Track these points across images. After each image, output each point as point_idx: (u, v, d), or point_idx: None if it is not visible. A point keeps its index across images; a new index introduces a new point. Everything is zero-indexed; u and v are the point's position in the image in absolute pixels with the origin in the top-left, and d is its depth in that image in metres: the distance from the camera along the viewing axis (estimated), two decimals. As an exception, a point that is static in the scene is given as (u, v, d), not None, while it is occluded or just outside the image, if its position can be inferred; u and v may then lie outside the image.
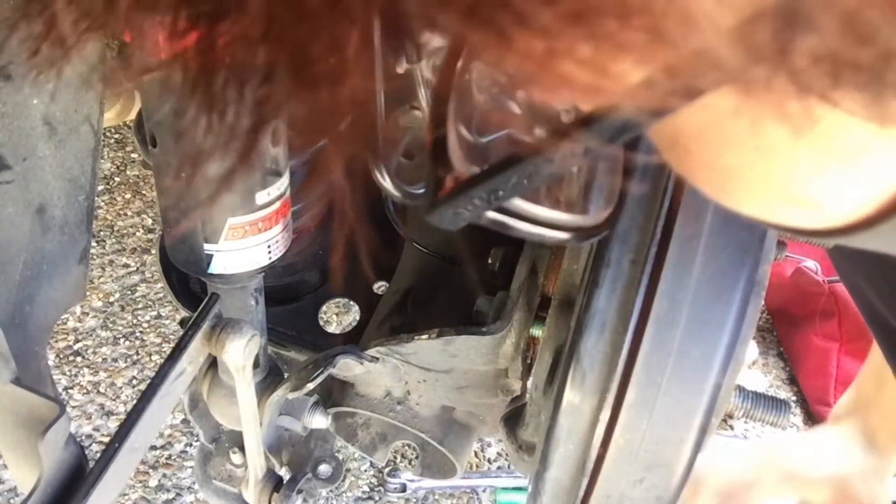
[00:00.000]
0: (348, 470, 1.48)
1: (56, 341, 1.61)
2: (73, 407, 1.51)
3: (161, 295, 1.73)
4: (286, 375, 0.73)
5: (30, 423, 0.49)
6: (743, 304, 0.48)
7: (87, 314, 1.69)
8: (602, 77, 0.18)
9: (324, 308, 1.01)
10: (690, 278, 0.48)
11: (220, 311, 0.61)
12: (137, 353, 1.63)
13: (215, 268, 0.60)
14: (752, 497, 0.94)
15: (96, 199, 0.65)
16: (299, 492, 0.75)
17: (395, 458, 1.50)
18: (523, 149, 0.25)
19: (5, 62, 0.55)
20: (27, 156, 0.58)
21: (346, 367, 0.75)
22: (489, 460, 1.55)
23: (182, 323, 0.85)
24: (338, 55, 0.18)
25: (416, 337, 0.72)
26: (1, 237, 0.57)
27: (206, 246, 0.59)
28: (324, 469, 0.86)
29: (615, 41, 0.16)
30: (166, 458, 1.45)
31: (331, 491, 1.41)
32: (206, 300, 0.61)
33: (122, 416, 1.39)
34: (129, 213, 1.93)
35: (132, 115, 1.16)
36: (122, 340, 1.65)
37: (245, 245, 0.60)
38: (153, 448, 1.45)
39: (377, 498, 1.46)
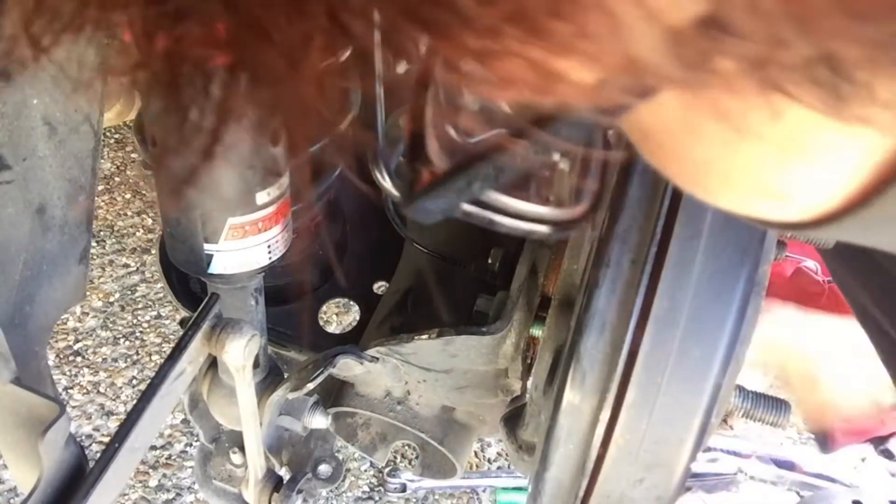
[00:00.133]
0: (348, 470, 1.48)
1: (56, 341, 1.61)
2: (73, 407, 1.51)
3: (161, 295, 1.73)
4: (286, 375, 0.73)
5: (30, 423, 0.49)
6: (743, 304, 0.48)
7: (87, 314, 1.69)
8: (546, 77, 0.18)
9: (324, 308, 1.01)
10: (690, 278, 0.48)
11: (220, 311, 0.61)
12: (137, 353, 1.63)
13: (215, 268, 0.60)
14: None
15: (96, 199, 0.65)
16: (299, 492, 0.75)
17: (395, 458, 1.50)
18: (491, 145, 0.26)
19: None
20: (27, 156, 0.58)
21: (346, 367, 0.75)
22: (489, 460, 1.55)
23: (182, 323, 0.85)
24: (295, 53, 0.19)
25: (416, 337, 0.72)
26: (1, 237, 0.57)
27: (206, 246, 0.59)
28: (324, 469, 0.86)
29: (552, 42, 0.17)
30: (166, 458, 1.45)
31: (331, 491, 1.41)
32: (206, 300, 0.61)
33: (122, 416, 1.39)
34: (129, 213, 1.93)
35: (132, 115, 1.16)
36: (122, 340, 1.65)
37: (245, 245, 0.60)
38: (153, 448, 1.45)
39: (377, 498, 1.46)
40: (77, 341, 1.63)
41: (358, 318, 1.01)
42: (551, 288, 0.70)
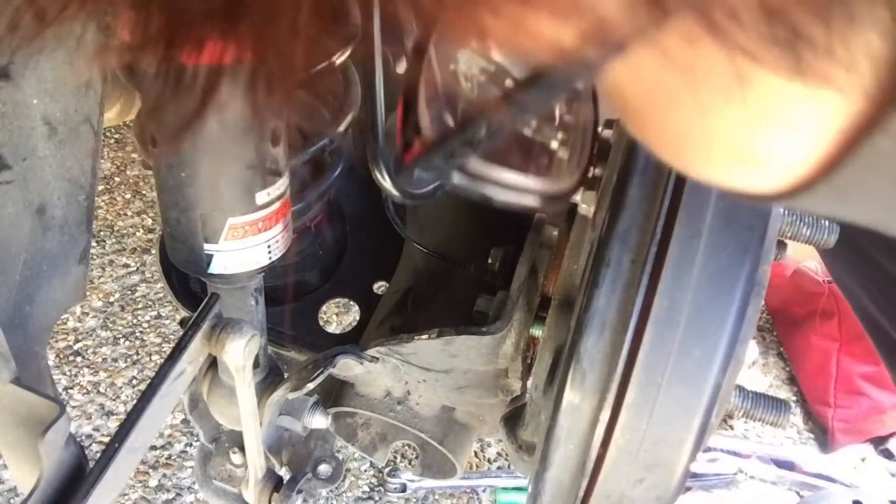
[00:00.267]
0: (348, 470, 1.48)
1: (56, 341, 1.61)
2: (73, 407, 1.51)
3: (161, 295, 1.73)
4: (286, 375, 0.73)
5: (30, 423, 0.49)
6: (743, 304, 0.48)
7: (87, 314, 1.69)
8: (521, 32, 0.19)
9: (324, 308, 1.01)
10: (690, 278, 0.48)
11: (220, 311, 0.61)
12: (137, 353, 1.63)
13: (215, 268, 0.60)
14: None
15: (96, 199, 0.65)
16: (299, 492, 0.75)
17: (395, 458, 1.50)
18: (475, 110, 0.27)
19: (5, 62, 0.55)
20: (27, 156, 0.58)
21: (346, 367, 0.75)
22: (489, 460, 1.55)
23: (182, 323, 0.85)
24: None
25: (416, 337, 0.72)
26: (1, 237, 0.57)
27: (206, 246, 0.59)
28: (324, 469, 0.86)
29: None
30: (166, 458, 1.45)
31: (331, 491, 1.41)
32: (206, 300, 0.61)
33: (122, 416, 1.39)
34: (129, 213, 1.93)
35: (132, 115, 1.16)
36: (122, 340, 1.65)
37: (245, 245, 0.60)
38: (153, 448, 1.45)
39: (377, 498, 1.46)
40: (77, 341, 1.63)
41: (358, 318, 1.01)
42: (551, 288, 0.70)
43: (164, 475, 1.42)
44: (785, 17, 0.18)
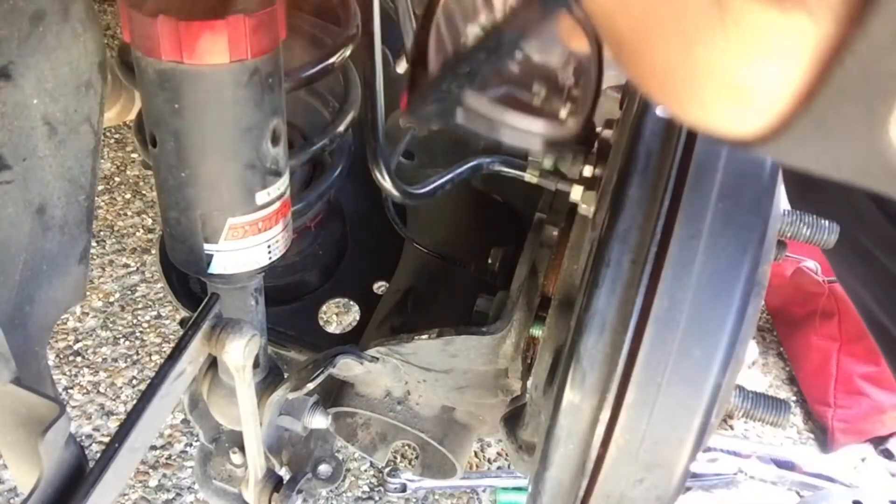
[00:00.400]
0: (348, 470, 1.48)
1: (56, 341, 1.61)
2: (73, 407, 1.51)
3: (161, 295, 1.73)
4: (286, 375, 0.73)
5: (30, 423, 0.49)
6: (743, 304, 0.48)
7: (87, 314, 1.69)
8: None
9: (324, 308, 1.01)
10: (690, 278, 0.48)
11: (220, 311, 0.61)
12: (137, 353, 1.63)
13: (215, 268, 0.60)
14: None
15: (96, 199, 0.65)
16: (299, 492, 0.75)
17: (395, 458, 1.50)
18: (473, 45, 0.30)
19: (5, 62, 0.55)
20: (27, 156, 0.58)
21: (346, 367, 0.75)
22: (489, 460, 1.55)
23: (182, 323, 0.85)
24: None
25: (416, 337, 0.72)
26: (1, 237, 0.57)
27: (206, 246, 0.59)
28: (324, 469, 0.86)
29: None
30: (166, 458, 1.45)
31: (331, 491, 1.41)
32: (206, 300, 0.61)
33: (122, 416, 1.39)
34: (129, 213, 1.93)
35: (132, 115, 1.16)
36: (122, 340, 1.65)
37: (245, 245, 0.60)
38: (153, 448, 1.45)
39: (377, 498, 1.46)
40: (77, 341, 1.63)
41: (358, 318, 1.01)
42: (551, 288, 0.70)
43: (164, 475, 1.42)
44: None
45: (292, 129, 0.84)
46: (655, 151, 0.52)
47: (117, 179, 2.01)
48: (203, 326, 0.59)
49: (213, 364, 0.72)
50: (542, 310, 0.70)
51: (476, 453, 1.55)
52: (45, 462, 0.48)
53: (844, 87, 0.23)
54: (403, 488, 1.45)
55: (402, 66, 0.74)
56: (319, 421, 0.76)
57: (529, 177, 0.73)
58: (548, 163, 0.71)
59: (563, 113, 0.35)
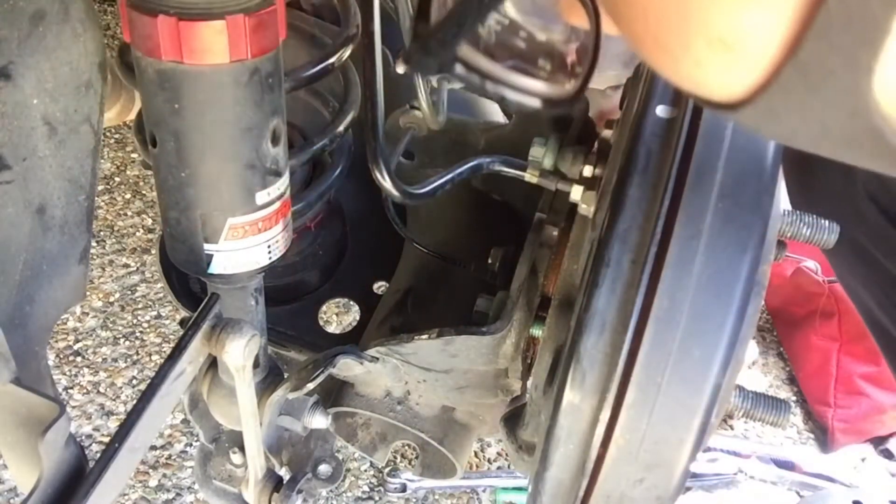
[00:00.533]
0: (348, 470, 1.48)
1: (56, 341, 1.61)
2: (73, 407, 1.51)
3: (161, 295, 1.73)
4: (286, 375, 0.73)
5: (30, 423, 0.49)
6: (743, 304, 0.48)
7: (87, 314, 1.69)
8: None
9: (324, 308, 1.01)
10: (690, 278, 0.48)
11: (220, 311, 0.61)
12: (137, 353, 1.63)
13: (215, 268, 0.60)
14: None
15: (96, 199, 0.65)
16: (299, 492, 0.75)
17: (395, 458, 1.50)
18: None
19: (5, 62, 0.55)
20: (27, 156, 0.58)
21: (346, 367, 0.75)
22: (489, 460, 1.55)
23: (182, 323, 0.85)
24: None
25: (416, 337, 0.72)
26: (1, 237, 0.57)
27: (206, 246, 0.59)
28: (324, 469, 0.86)
29: None
30: (166, 458, 1.45)
31: (331, 491, 1.41)
32: (206, 300, 0.61)
33: (122, 416, 1.39)
34: (129, 213, 1.93)
35: (132, 115, 1.16)
36: (122, 340, 1.65)
37: (245, 245, 0.60)
38: (153, 448, 1.45)
39: (377, 498, 1.46)
40: (77, 341, 1.63)
41: (358, 318, 1.01)
42: (551, 288, 0.70)
43: (164, 475, 1.42)
44: None
45: (292, 129, 0.84)
46: (655, 151, 0.52)
47: (117, 179, 2.01)
48: (203, 326, 0.59)
49: (213, 364, 0.72)
50: (542, 310, 0.70)
51: (476, 453, 1.55)
52: (45, 462, 0.48)
53: (828, 33, 0.24)
54: (403, 488, 1.45)
55: (401, 67, 0.74)
56: (319, 421, 0.76)
57: (529, 177, 0.73)
58: (548, 163, 0.71)
59: (566, 58, 0.36)
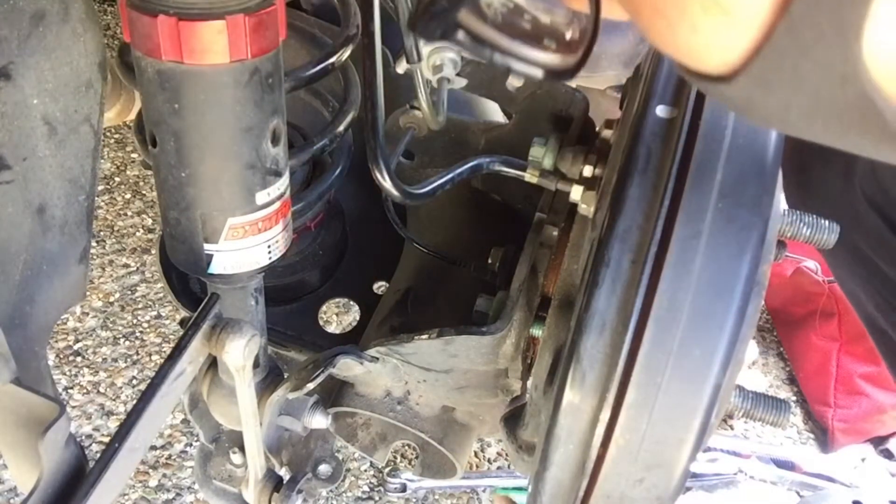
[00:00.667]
0: (348, 470, 1.48)
1: (56, 341, 1.61)
2: (73, 407, 1.51)
3: (161, 295, 1.73)
4: (286, 375, 0.73)
5: (30, 423, 0.49)
6: (743, 304, 0.48)
7: (87, 314, 1.69)
8: None
9: (324, 308, 1.01)
10: (690, 278, 0.48)
11: (220, 311, 0.61)
12: (137, 353, 1.63)
13: (215, 268, 0.60)
14: None
15: (96, 199, 0.65)
16: (299, 492, 0.75)
17: (395, 458, 1.51)
18: None
19: (5, 62, 0.55)
20: (27, 156, 0.58)
21: (346, 367, 0.75)
22: (489, 460, 1.55)
23: (182, 323, 0.85)
24: None
25: (416, 337, 0.72)
26: (1, 237, 0.57)
27: (206, 246, 0.59)
28: (324, 469, 0.86)
29: None
30: (166, 458, 1.45)
31: (331, 491, 1.41)
32: (206, 300, 0.61)
33: (122, 416, 1.39)
34: (129, 213, 1.93)
35: (132, 115, 1.16)
36: (122, 340, 1.65)
37: (245, 245, 0.60)
38: (153, 448, 1.45)
39: (377, 498, 1.46)
40: (77, 341, 1.63)
41: (358, 318, 1.01)
42: (551, 288, 0.70)
43: (164, 475, 1.42)
44: None
45: (292, 129, 0.84)
46: (655, 151, 0.52)
47: (117, 179, 2.01)
48: (203, 326, 0.59)
49: (213, 364, 0.72)
50: (542, 310, 0.70)
51: (476, 453, 1.55)
52: (45, 462, 0.48)
53: None
54: (403, 488, 1.45)
55: (402, 67, 0.74)
56: (319, 421, 0.76)
57: (529, 177, 0.73)
58: (548, 163, 0.71)
59: (567, 37, 0.36)
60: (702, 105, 0.52)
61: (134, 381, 1.58)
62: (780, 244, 0.57)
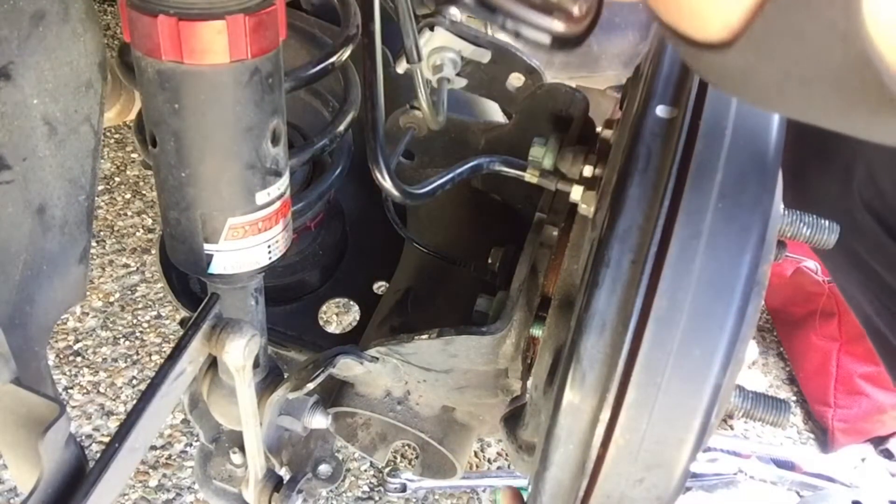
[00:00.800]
0: (348, 470, 1.48)
1: (56, 341, 1.61)
2: (73, 407, 1.51)
3: (161, 295, 1.73)
4: (286, 375, 0.73)
5: (30, 423, 0.49)
6: (743, 304, 0.48)
7: (87, 314, 1.69)
8: None
9: (324, 308, 1.01)
10: (690, 278, 0.48)
11: (220, 311, 0.61)
12: (137, 353, 1.63)
13: (215, 268, 0.60)
14: None
15: (96, 199, 0.65)
16: (299, 492, 0.75)
17: (395, 458, 1.51)
18: None
19: (5, 62, 0.55)
20: (27, 156, 0.58)
21: (346, 367, 0.75)
22: (489, 460, 1.55)
23: (182, 323, 0.85)
24: None
25: (416, 337, 0.72)
26: (1, 237, 0.57)
27: (206, 246, 0.59)
28: (324, 469, 0.86)
29: None
30: (166, 458, 1.45)
31: (331, 491, 1.42)
32: (206, 300, 0.61)
33: (122, 416, 1.39)
34: (129, 213, 1.93)
35: (132, 115, 1.16)
36: (122, 340, 1.65)
37: (245, 245, 0.60)
38: (153, 448, 1.45)
39: (377, 498, 1.46)
40: (77, 341, 1.63)
41: (358, 318, 1.01)
42: (551, 288, 0.70)
43: (164, 475, 1.42)
44: None
45: (292, 129, 0.84)
46: (655, 151, 0.52)
47: (117, 179, 2.01)
48: (203, 326, 0.59)
49: (213, 364, 0.72)
50: (542, 310, 0.70)
51: (476, 453, 1.55)
52: (45, 462, 0.48)
53: None
54: (403, 488, 1.45)
55: (402, 67, 0.74)
56: (319, 421, 0.76)
57: (529, 177, 0.73)
58: (548, 163, 0.71)
59: (575, 12, 0.37)
60: (702, 105, 0.52)
61: (134, 381, 1.58)
62: (780, 244, 0.57)
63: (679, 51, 0.31)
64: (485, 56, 0.81)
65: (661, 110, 0.53)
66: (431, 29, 0.76)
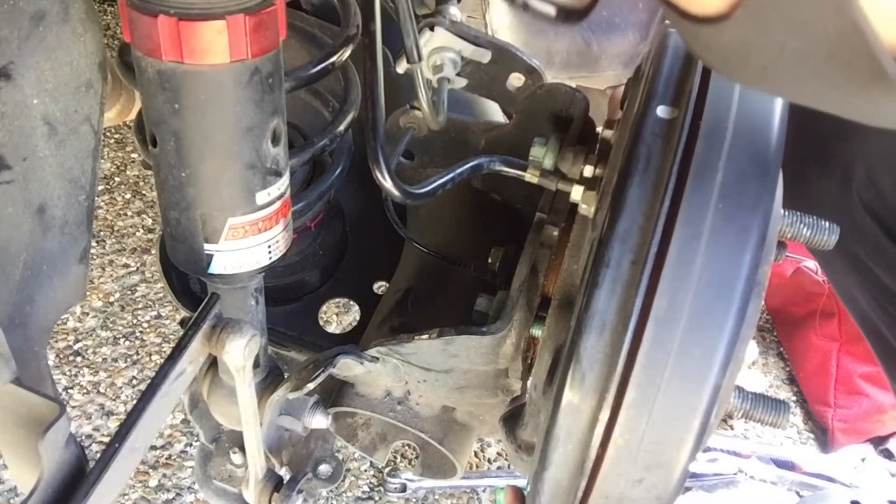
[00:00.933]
0: (348, 470, 1.48)
1: (56, 341, 1.61)
2: (73, 407, 1.51)
3: (161, 295, 1.73)
4: (286, 375, 0.73)
5: (30, 423, 0.49)
6: (743, 304, 0.48)
7: (87, 314, 1.69)
8: None
9: (324, 308, 1.01)
10: (690, 278, 0.48)
11: (220, 311, 0.61)
12: (137, 353, 1.63)
13: (215, 268, 0.60)
14: None
15: (96, 199, 0.65)
16: (299, 492, 0.75)
17: (395, 458, 1.51)
18: None
19: (5, 62, 0.55)
20: (27, 156, 0.58)
21: (346, 367, 0.75)
22: (489, 460, 1.55)
23: (182, 323, 0.85)
24: None
25: (416, 337, 0.72)
26: (1, 237, 0.57)
27: (206, 246, 0.59)
28: (324, 469, 0.86)
29: None
30: (166, 458, 1.45)
31: (331, 491, 1.42)
32: (206, 300, 0.61)
33: (122, 416, 1.39)
34: (129, 213, 1.93)
35: (132, 115, 1.16)
36: (122, 340, 1.65)
37: (245, 245, 0.60)
38: (153, 448, 1.45)
39: (377, 498, 1.46)
40: (77, 341, 1.63)
41: (358, 318, 1.01)
42: (551, 288, 0.70)
43: (164, 475, 1.42)
44: None
45: (292, 129, 0.84)
46: (656, 151, 0.52)
47: (117, 179, 2.01)
48: (203, 326, 0.59)
49: (213, 364, 0.72)
50: (542, 310, 0.70)
51: (476, 453, 1.55)
52: (45, 462, 0.48)
53: None
54: (403, 488, 1.45)
55: (402, 67, 0.74)
56: (319, 421, 0.76)
57: (529, 177, 0.73)
58: (548, 163, 0.71)
59: None
60: (702, 106, 0.52)
61: (134, 381, 1.58)
62: (781, 245, 0.57)
63: (677, 28, 0.31)
64: (485, 56, 0.81)
65: (661, 111, 0.53)
66: (431, 29, 0.77)
